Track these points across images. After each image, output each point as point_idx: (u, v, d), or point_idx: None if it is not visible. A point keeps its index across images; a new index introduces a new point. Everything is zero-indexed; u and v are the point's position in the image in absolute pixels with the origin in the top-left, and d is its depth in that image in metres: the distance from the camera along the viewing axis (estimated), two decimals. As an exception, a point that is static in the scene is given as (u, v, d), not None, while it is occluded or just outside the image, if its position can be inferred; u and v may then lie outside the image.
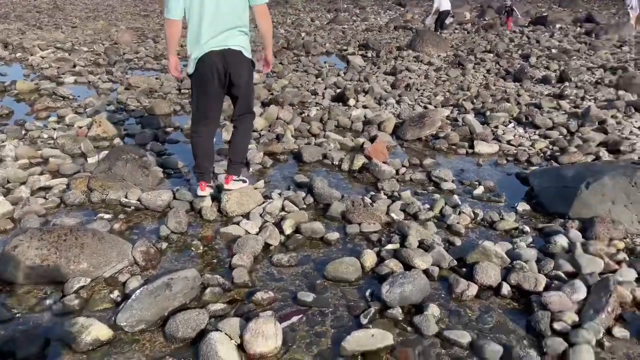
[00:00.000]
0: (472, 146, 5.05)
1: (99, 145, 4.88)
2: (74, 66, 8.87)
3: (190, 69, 3.29)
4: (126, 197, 3.63)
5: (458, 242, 3.18)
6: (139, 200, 3.60)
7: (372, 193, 3.94)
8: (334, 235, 3.25)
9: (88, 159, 4.43)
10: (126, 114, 6.07)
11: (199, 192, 3.56)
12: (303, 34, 14.96)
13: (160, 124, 5.62)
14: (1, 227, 3.21)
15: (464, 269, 2.85)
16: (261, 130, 5.44)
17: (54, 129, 5.23)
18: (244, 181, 3.69)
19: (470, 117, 5.75)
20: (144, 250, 2.87)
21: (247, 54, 3.29)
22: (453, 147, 5.12)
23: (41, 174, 4.08)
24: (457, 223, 3.41)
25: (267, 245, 3.13)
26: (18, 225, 3.21)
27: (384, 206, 3.63)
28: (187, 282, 2.55)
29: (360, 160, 4.44)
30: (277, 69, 8.99)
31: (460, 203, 3.70)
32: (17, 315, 2.42)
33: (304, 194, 3.83)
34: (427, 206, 3.69)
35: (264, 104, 6.46)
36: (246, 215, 3.49)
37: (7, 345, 2.17)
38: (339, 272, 2.78)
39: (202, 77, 3.26)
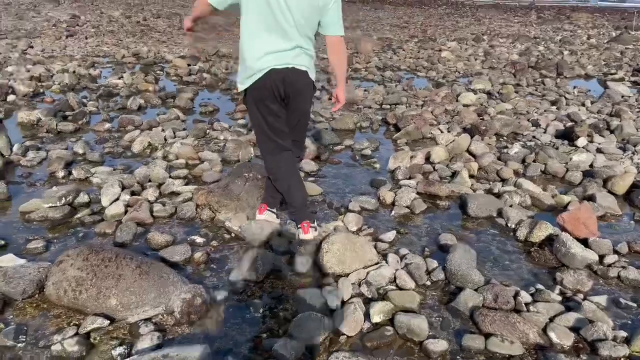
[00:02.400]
0: None
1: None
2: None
3: (242, 85, 2.74)
4: (230, 221, 3.19)
5: None
6: (240, 227, 3.12)
7: (539, 287, 2.64)
8: (439, 346, 2.18)
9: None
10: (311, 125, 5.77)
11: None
12: (565, 52, 12.77)
13: (334, 140, 5.11)
14: (104, 229, 3.11)
15: None
16: (436, 163, 4.44)
17: (232, 132, 5.23)
18: (277, 216, 3.21)
19: None
20: (187, 298, 2.33)
21: (313, 77, 2.80)
22: None
23: (184, 177, 3.98)
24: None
25: (338, 333, 2.26)
26: (117, 233, 3.05)
27: (544, 316, 2.36)
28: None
29: (545, 230, 3.12)
30: (505, 90, 7.63)
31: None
32: (18, 345, 2.15)
33: (434, 265, 2.80)
34: (623, 335, 2.26)
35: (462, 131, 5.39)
36: (341, 277, 2.66)
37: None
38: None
39: (261, 101, 2.74)
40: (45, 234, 3.07)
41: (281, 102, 2.77)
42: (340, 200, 3.71)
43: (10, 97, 6.29)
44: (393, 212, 3.54)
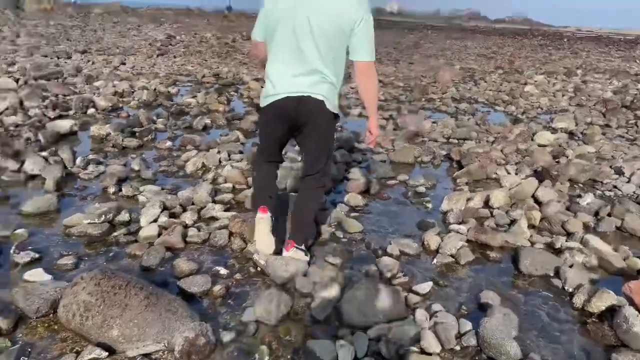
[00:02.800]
0: None
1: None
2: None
3: (261, 104, 2.82)
4: (258, 254, 3.08)
5: None
6: (266, 262, 3.00)
7: (589, 369, 2.27)
8: None
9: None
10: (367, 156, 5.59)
11: (258, 215, 3.06)
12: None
13: (388, 174, 4.89)
14: (135, 251, 3.11)
15: None
16: (494, 208, 4.08)
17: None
18: (306, 254, 3.03)
19: None
20: (190, 337, 2.23)
21: (330, 106, 2.70)
22: None
23: (227, 203, 3.95)
24: None
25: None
26: (144, 256, 3.03)
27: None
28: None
29: (606, 300, 2.71)
30: (590, 131, 7.01)
31: None
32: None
33: (467, 328, 2.50)
34: None
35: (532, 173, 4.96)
36: (360, 331, 2.44)
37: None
38: None
39: (268, 123, 2.90)
40: (79, 250, 3.12)
41: (292, 127, 2.81)
42: (380, 241, 3.48)
43: (90, 111, 6.68)
44: (435, 260, 3.26)
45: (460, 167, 5.24)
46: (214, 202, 3.93)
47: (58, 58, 11.58)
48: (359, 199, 4.14)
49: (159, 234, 3.31)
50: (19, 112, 6.16)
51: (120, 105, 7.30)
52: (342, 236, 3.52)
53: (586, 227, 3.85)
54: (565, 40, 42.56)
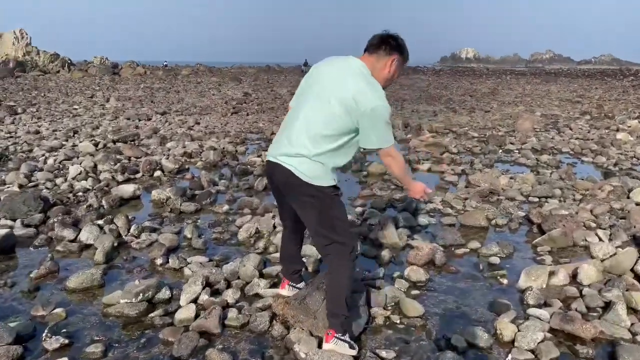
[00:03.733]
0: None
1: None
2: (442, 153, 8.52)
3: None
4: (299, 344, 2.72)
5: None
6: (307, 355, 2.62)
7: None
8: None
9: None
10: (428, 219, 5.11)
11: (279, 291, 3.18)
12: None
13: (457, 241, 4.39)
14: (168, 337, 2.86)
15: None
16: (584, 286, 3.45)
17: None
18: (352, 347, 2.65)
19: None
20: None
21: (306, 177, 2.50)
22: None
23: (276, 276, 3.65)
24: None
25: None
26: (175, 345, 2.77)
27: None
28: None
29: None
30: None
31: None
32: None
33: None
34: None
35: None
36: None
37: None
38: None
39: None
40: (113, 333, 2.93)
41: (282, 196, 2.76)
42: (444, 329, 3.00)
43: (157, 173, 6.79)
44: (510, 356, 2.72)
45: (542, 232, 4.63)
46: (261, 275, 3.65)
47: (139, 120, 12.24)
48: (421, 273, 3.68)
49: (197, 316, 3.05)
50: (90, 176, 6.37)
51: (187, 166, 7.39)
52: (398, 321, 3.08)
53: None
54: (661, 78, 39.62)
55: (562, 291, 3.42)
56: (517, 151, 8.97)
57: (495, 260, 4.02)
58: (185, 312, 3.07)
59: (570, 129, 11.54)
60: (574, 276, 3.65)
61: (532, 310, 3.15)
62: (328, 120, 2.48)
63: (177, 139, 9.46)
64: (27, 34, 41.34)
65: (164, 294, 3.31)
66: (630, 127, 11.51)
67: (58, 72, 37.84)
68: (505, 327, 2.92)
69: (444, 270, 3.86)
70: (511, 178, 6.58)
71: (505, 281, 3.67)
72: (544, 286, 3.48)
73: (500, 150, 8.98)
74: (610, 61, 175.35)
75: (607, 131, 11.14)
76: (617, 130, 11.13)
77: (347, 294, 2.63)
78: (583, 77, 42.79)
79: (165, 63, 51.23)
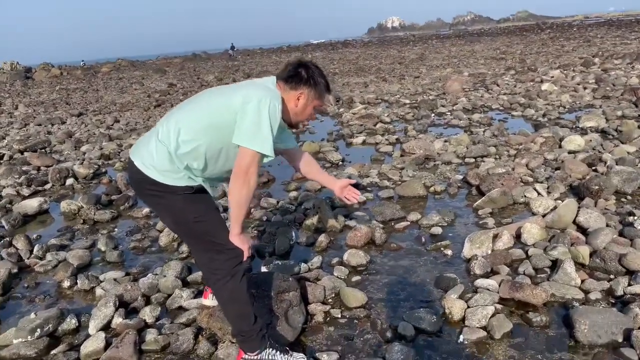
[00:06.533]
0: None
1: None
2: (375, 124, 8.28)
3: None
4: (228, 364, 2.35)
5: None
6: (237, 375, 2.27)
7: None
8: None
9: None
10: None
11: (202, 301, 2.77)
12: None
13: (397, 214, 4.14)
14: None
15: None
16: (529, 246, 3.28)
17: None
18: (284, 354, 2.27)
19: None
20: None
21: (150, 171, 2.07)
22: None
23: (202, 282, 3.26)
24: None
25: None
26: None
27: None
28: None
29: None
30: (625, 128, 6.14)
31: None
32: None
33: None
34: None
35: None
36: None
37: None
38: None
39: None
40: (6, 383, 2.45)
41: None
42: (390, 316, 2.73)
43: (69, 181, 6.14)
44: (462, 337, 2.48)
45: (481, 193, 4.46)
46: (185, 284, 3.24)
47: (52, 125, 11.26)
48: (361, 256, 3.39)
49: (108, 345, 2.61)
50: (-10, 194, 5.65)
51: (104, 169, 6.76)
52: (339, 315, 2.77)
53: (652, 259, 3.01)
54: (575, 29, 41.48)
55: (508, 255, 3.23)
56: (449, 113, 8.88)
57: (437, 230, 3.80)
58: (93, 343, 2.61)
59: (498, 85, 11.64)
60: (517, 236, 3.48)
61: (479, 282, 2.94)
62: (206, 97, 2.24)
63: (94, 140, 8.71)
64: None
65: (69, 323, 2.84)
66: (553, 77, 11.76)
67: (-38, 82, 34.78)
68: (453, 304, 2.67)
69: (385, 249, 3.59)
70: (445, 141, 6.43)
71: (449, 252, 3.45)
72: (489, 252, 3.28)
73: (433, 115, 8.86)
74: (527, 17, 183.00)
75: (532, 84, 11.31)
76: (541, 81, 11.32)
77: (244, 309, 2.21)
78: (504, 35, 44.08)
79: (82, 62, 48.32)
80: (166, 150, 2.07)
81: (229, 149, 2.11)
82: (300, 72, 2.19)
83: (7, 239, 4.14)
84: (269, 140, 2.01)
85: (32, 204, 5.04)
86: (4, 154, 7.90)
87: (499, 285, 2.84)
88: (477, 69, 16.16)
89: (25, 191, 5.78)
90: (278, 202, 4.77)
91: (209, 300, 2.75)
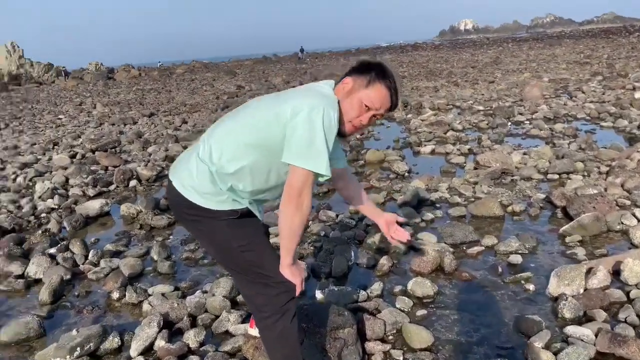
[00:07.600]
0: None
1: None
2: (446, 132, 7.79)
3: None
4: (271, 410, 2.07)
5: None
6: None
7: None
8: None
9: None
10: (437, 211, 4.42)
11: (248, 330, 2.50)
12: None
13: (469, 237, 3.71)
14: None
15: None
16: (631, 286, 2.76)
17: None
18: None
19: None
20: None
21: (189, 194, 1.86)
22: None
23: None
24: None
25: None
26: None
27: None
28: None
29: None
30: None
31: None
32: None
33: None
34: None
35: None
36: None
37: None
38: None
39: None
40: (40, 405, 2.31)
41: None
42: (460, 363, 2.35)
43: (132, 183, 6.16)
44: (549, 400, 2.06)
45: (567, 215, 3.94)
46: (234, 304, 3.01)
47: (124, 125, 11.61)
48: (427, 286, 3.01)
49: (147, 373, 2.42)
50: (58, 193, 5.74)
51: (167, 172, 6.74)
52: (401, 358, 2.42)
53: None
54: (669, 31, 38.26)
55: (605, 296, 2.74)
56: (527, 122, 8.22)
57: (516, 259, 3.34)
58: (131, 369, 2.44)
59: (583, 92, 10.73)
60: (615, 273, 2.97)
61: (571, 329, 2.48)
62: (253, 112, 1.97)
63: (161, 141, 8.82)
64: (18, 47, 40.86)
65: (112, 342, 2.68)
66: (647, 84, 10.67)
67: (53, 82, 37.33)
68: (539, 356, 2.25)
69: (455, 278, 3.19)
70: (525, 154, 5.87)
71: (531, 287, 2.99)
72: (581, 291, 2.80)
73: (510, 123, 8.23)
74: (613, 19, 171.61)
75: (623, 91, 10.33)
76: (634, 89, 10.31)
77: (292, 353, 1.93)
78: (588, 37, 41.47)
79: (159, 63, 50.53)
80: (207, 170, 1.82)
81: (279, 167, 1.83)
82: (367, 63, 1.93)
83: (65, 242, 4.11)
84: (324, 156, 1.71)
85: (94, 206, 5.05)
86: (77, 153, 8.14)
87: (596, 336, 2.37)
88: (558, 74, 15.09)
89: (91, 191, 5.84)
90: (337, 216, 4.47)
91: (255, 330, 2.49)
